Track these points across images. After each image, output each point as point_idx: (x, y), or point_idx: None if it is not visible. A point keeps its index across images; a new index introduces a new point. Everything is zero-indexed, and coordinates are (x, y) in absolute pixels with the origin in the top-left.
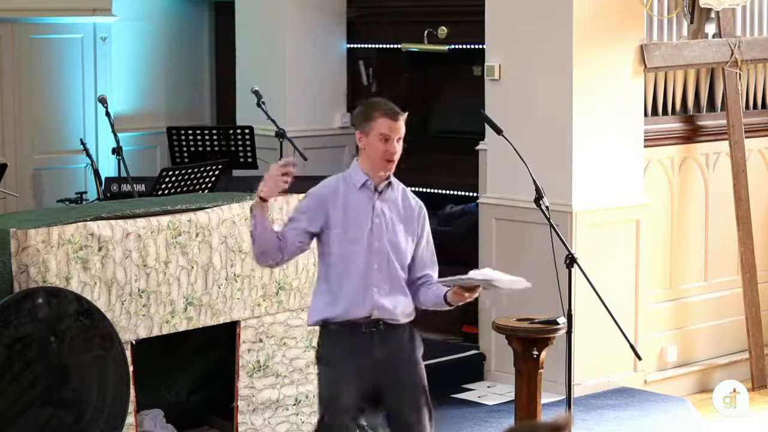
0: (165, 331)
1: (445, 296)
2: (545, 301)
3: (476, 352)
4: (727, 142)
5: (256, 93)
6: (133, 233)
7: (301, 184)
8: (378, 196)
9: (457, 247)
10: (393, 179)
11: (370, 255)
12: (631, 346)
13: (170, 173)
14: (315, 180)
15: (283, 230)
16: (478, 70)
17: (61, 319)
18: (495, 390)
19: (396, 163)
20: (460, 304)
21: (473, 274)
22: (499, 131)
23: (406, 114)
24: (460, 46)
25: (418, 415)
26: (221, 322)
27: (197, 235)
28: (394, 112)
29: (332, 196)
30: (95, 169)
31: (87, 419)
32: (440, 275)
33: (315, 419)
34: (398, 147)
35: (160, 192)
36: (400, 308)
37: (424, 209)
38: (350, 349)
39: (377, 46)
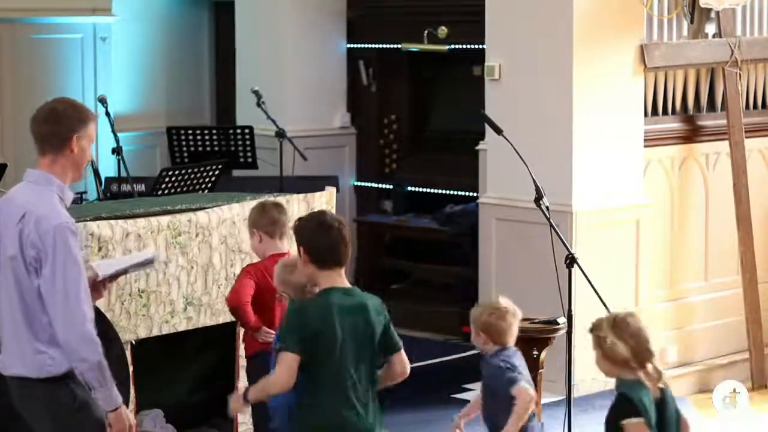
0: (165, 331)
1: None
2: (545, 301)
3: (476, 352)
4: (727, 142)
5: (256, 93)
6: (133, 233)
7: (301, 184)
8: None
9: (457, 247)
10: None
11: None
12: None
13: (170, 173)
14: (315, 180)
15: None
16: (478, 70)
17: None
18: None
19: None
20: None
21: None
22: (499, 131)
23: None
24: (460, 46)
25: None
26: (221, 323)
27: (197, 235)
28: (95, 114)
29: None
30: (95, 169)
31: None
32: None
33: None
34: None
35: (160, 192)
36: None
37: None
38: None
39: (377, 46)
